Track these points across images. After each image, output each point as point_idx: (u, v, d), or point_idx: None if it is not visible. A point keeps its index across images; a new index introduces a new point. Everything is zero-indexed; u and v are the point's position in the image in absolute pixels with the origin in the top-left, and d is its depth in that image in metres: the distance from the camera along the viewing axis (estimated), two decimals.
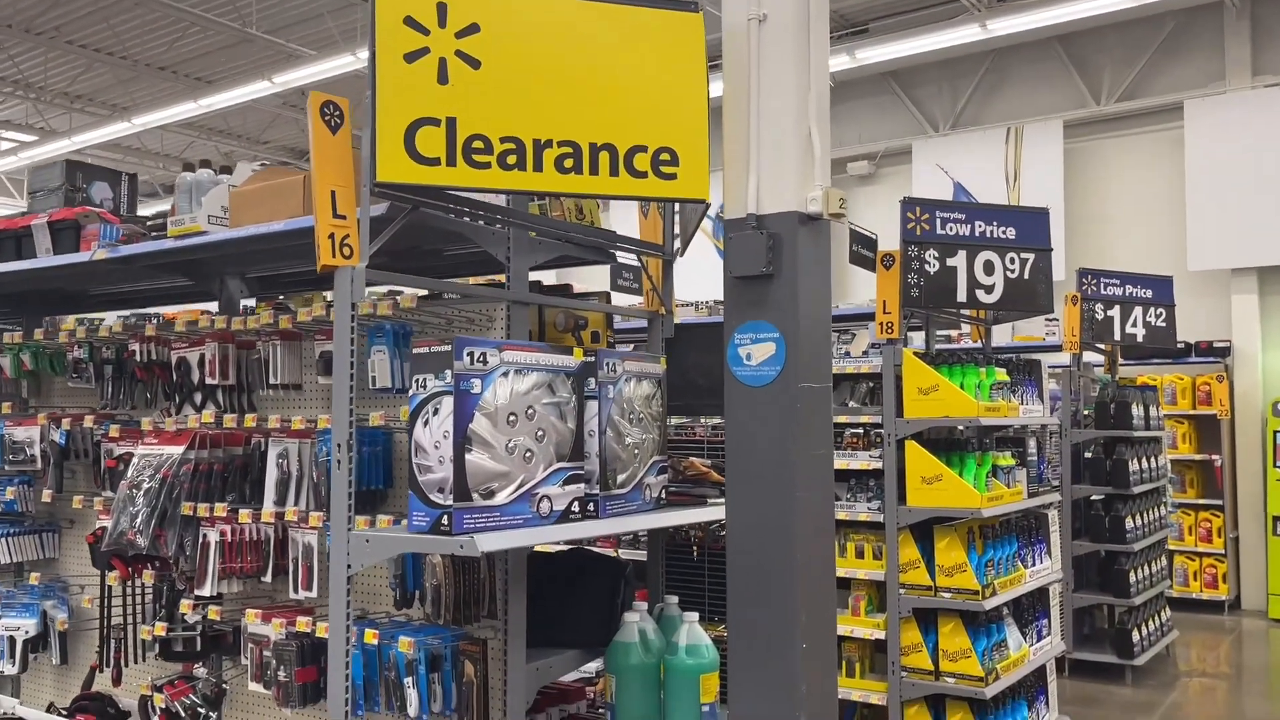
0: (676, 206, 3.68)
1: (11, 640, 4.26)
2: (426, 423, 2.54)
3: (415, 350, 2.58)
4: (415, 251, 3.52)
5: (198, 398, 3.77)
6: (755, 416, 2.88)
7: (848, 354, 6.21)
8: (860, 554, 5.62)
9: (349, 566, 2.67)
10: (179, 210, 3.38)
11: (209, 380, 3.68)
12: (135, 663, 3.97)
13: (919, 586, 5.24)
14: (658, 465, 3.21)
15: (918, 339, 6.34)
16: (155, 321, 3.77)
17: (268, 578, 3.56)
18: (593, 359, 2.92)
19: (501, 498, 2.59)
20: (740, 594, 2.89)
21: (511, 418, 2.63)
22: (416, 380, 2.57)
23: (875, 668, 5.72)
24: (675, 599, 3.63)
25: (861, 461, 5.65)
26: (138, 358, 3.84)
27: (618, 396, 3.00)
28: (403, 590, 3.25)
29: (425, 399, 2.55)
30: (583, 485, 2.83)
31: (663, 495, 3.23)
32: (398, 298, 3.00)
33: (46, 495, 4.10)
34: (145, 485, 3.57)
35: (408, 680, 3.17)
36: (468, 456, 2.50)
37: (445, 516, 2.48)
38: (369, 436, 3.23)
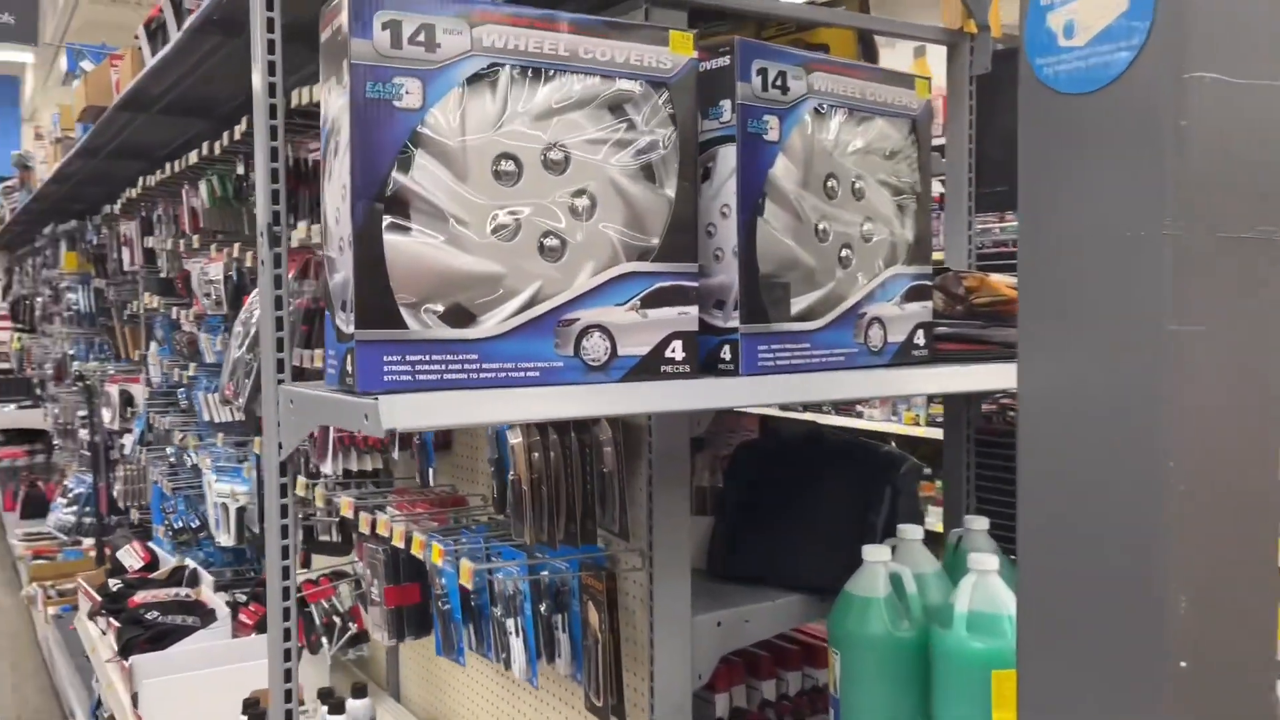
0: None
1: (225, 507, 3.76)
2: (330, 175, 1.30)
3: (323, 33, 1.33)
4: None
5: None
6: (1079, 154, 1.25)
7: None
8: None
9: (280, 446, 1.54)
10: None
11: None
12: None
13: None
14: (905, 283, 1.70)
15: None
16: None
17: (395, 453, 2.60)
18: (726, 59, 1.47)
19: (491, 324, 1.28)
20: (1035, 540, 1.34)
21: (505, 166, 1.30)
22: (324, 94, 1.33)
23: None
24: (984, 523, 2.12)
25: None
26: (291, 165, 2.99)
27: (793, 143, 1.53)
28: (500, 479, 2.09)
29: (331, 128, 1.31)
30: (694, 309, 1.44)
31: (917, 339, 1.73)
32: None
33: (219, 342, 3.46)
34: (249, 324, 2.73)
35: (511, 623, 2.03)
36: (390, 237, 1.23)
37: (348, 357, 1.25)
38: None
